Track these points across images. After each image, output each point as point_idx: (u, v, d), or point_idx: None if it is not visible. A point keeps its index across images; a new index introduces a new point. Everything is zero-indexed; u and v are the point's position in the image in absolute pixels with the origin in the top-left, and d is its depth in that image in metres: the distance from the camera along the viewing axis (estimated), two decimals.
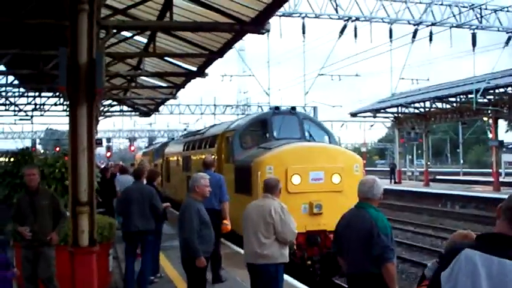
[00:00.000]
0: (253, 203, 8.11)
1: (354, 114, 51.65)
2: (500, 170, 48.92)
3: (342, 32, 28.20)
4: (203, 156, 18.88)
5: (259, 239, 7.57)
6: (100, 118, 42.11)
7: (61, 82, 7.10)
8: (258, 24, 12.10)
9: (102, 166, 27.78)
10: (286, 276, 9.68)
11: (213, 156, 16.11)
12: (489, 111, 40.69)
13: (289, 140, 15.28)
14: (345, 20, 28.30)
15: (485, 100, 39.61)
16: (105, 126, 72.97)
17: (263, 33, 12.63)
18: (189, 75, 19.32)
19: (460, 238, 4.62)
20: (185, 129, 41.16)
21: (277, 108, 17.01)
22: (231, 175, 15.78)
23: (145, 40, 16.43)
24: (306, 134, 16.20)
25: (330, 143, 16.51)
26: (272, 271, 7.64)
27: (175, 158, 26.72)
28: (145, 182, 11.69)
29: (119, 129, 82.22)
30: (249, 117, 19.06)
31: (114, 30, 12.42)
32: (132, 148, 73.00)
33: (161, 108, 43.37)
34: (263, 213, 7.58)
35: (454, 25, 30.52)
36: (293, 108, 17.04)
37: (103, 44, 12.06)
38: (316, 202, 13.56)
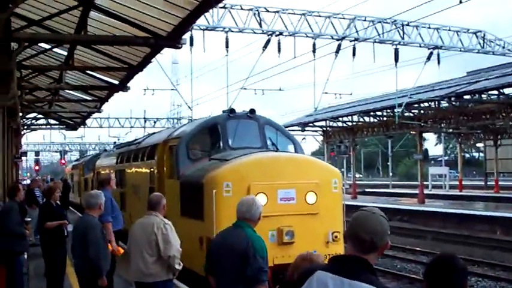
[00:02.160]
0: (137, 221, 7.85)
1: None
2: (427, 183, 50.34)
3: (265, 46, 28.37)
4: (140, 170, 16.98)
5: (144, 257, 7.43)
6: (27, 131, 41.47)
7: None
8: (174, 38, 12.21)
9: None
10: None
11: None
12: (414, 125, 41.85)
13: (249, 150, 12.36)
14: (268, 35, 28.51)
15: (411, 114, 40.73)
16: (34, 138, 71.62)
17: (179, 48, 12.65)
18: (111, 89, 19.30)
19: (300, 261, 4.64)
20: (115, 142, 40.43)
21: (232, 111, 13.65)
22: (176, 194, 12.81)
23: (65, 53, 16.31)
24: (268, 142, 13.34)
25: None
26: None
27: (107, 171, 23.58)
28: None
29: (50, 142, 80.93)
30: (197, 122, 15.19)
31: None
32: (63, 161, 71.90)
33: (90, 121, 42.90)
34: (146, 231, 7.47)
35: (377, 40, 31.20)
36: (251, 111, 13.66)
37: (15, 56, 11.98)
38: (287, 228, 10.78)
